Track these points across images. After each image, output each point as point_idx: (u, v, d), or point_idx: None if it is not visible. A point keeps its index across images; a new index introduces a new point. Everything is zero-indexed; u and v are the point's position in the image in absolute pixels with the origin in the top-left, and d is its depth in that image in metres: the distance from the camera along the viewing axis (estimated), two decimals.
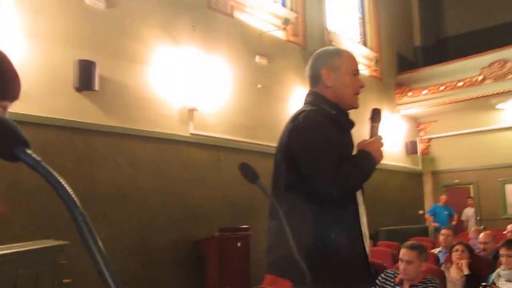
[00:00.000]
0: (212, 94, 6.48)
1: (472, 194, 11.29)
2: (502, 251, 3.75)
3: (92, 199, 4.91)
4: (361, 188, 1.87)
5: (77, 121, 4.83)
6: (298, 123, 1.81)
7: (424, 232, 10.35)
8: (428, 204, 11.34)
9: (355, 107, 1.96)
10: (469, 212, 10.95)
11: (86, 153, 4.98)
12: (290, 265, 1.63)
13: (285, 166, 1.84)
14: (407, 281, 3.17)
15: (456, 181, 11.49)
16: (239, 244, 5.76)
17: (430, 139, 11.93)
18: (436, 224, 9.86)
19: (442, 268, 4.17)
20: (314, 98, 1.94)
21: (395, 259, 4.79)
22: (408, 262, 3.14)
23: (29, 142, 0.54)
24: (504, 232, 5.90)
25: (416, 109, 11.29)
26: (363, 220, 1.87)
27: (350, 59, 1.98)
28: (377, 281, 3.38)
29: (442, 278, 3.49)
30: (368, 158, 1.82)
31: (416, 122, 12.06)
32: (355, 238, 1.81)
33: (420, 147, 11.79)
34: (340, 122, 1.88)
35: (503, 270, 3.75)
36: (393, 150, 10.75)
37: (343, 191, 1.73)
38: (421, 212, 11.26)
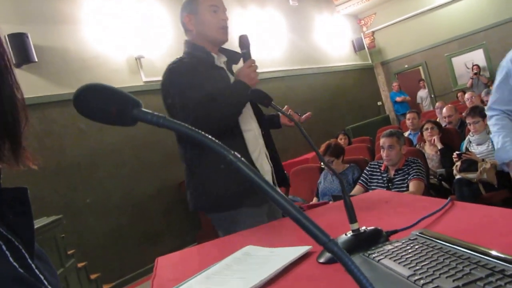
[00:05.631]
0: (155, 37, 6.26)
1: (422, 76, 11.73)
2: (468, 119, 4.00)
3: (65, 168, 4.84)
4: (239, 114, 1.89)
5: (27, 98, 4.60)
6: (165, 78, 1.93)
7: (387, 121, 10.81)
8: (385, 94, 11.73)
9: (225, 40, 2.02)
10: (422, 93, 11.48)
11: (46, 127, 4.83)
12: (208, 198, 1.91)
13: (168, 114, 1.92)
14: (392, 167, 3.35)
15: (406, 66, 11.85)
16: None
17: (373, 32, 12.08)
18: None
19: (417, 148, 4.42)
20: (187, 47, 2.01)
21: (371, 152, 5.04)
22: (390, 147, 3.30)
23: (140, 101, 0.51)
24: (466, 102, 6.22)
25: (354, 6, 11.30)
26: (259, 142, 1.99)
27: None
28: (363, 174, 3.56)
29: (422, 157, 3.71)
30: (237, 85, 1.86)
31: (357, 19, 12.13)
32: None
33: (366, 42, 11.96)
34: (211, 62, 1.96)
35: (472, 136, 4.03)
36: (342, 51, 10.89)
37: (213, 127, 1.76)
38: (379, 103, 11.66)
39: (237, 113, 1.87)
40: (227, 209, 1.91)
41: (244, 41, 1.92)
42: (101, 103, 0.52)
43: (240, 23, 8.03)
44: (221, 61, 2.04)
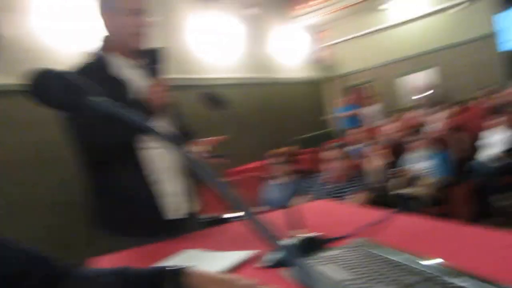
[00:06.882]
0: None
1: (372, 92, 12.10)
2: (410, 137, 4.18)
3: (3, 163, 4.61)
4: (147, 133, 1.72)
5: None
6: None
7: (333, 134, 11.03)
8: (334, 108, 11.98)
9: (137, 47, 1.79)
10: (371, 109, 11.83)
11: None
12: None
13: None
14: (337, 179, 3.44)
15: (357, 81, 12.18)
16: None
17: (328, 46, 12.35)
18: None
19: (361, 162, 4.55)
20: (102, 45, 1.85)
21: (317, 164, 5.13)
22: (332, 161, 3.38)
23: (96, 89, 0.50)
24: (410, 120, 6.45)
25: (312, 20, 11.50)
26: (163, 162, 1.76)
27: None
28: (308, 185, 3.62)
29: (366, 171, 3.82)
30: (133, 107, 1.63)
31: (314, 32, 12.36)
32: (140, 189, 1.73)
33: (320, 55, 12.21)
34: (111, 75, 1.75)
35: (414, 152, 4.20)
36: (296, 63, 11.09)
37: (102, 152, 1.66)
38: (328, 116, 11.91)
39: (127, 139, 1.66)
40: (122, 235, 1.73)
41: (155, 55, 1.75)
42: (59, 90, 0.51)
43: (198, 26, 7.97)
44: (129, 67, 1.81)
